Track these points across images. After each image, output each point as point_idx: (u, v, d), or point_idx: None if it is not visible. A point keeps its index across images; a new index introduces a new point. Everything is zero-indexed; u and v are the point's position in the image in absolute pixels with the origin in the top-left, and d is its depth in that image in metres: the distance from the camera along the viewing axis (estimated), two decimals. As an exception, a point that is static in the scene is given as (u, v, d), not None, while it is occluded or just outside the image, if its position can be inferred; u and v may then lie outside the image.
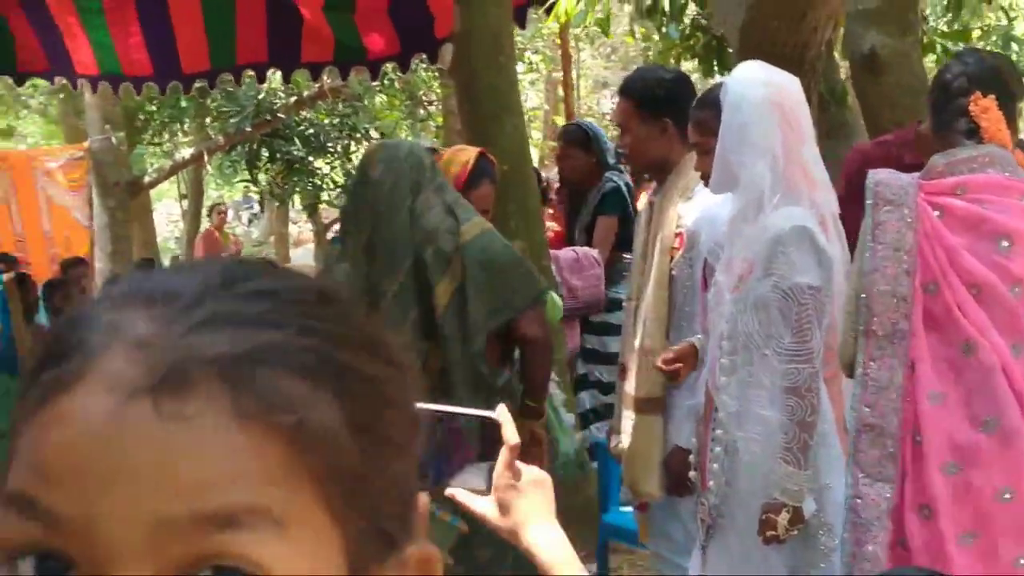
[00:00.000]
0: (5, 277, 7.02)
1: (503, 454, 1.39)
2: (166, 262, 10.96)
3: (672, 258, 3.40)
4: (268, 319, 0.55)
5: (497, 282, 3.23)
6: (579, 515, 3.95)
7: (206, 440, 0.51)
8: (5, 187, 9.81)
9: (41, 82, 6.93)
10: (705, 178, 3.05)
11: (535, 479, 1.39)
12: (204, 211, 14.95)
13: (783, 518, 2.60)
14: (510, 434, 1.39)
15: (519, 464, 1.40)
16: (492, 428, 1.41)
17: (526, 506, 1.36)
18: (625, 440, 3.51)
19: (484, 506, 1.39)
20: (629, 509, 4.04)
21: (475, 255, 3.22)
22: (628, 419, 3.50)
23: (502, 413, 1.40)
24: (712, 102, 2.94)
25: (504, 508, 1.37)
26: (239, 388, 0.52)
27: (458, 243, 3.22)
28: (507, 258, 3.33)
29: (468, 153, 3.81)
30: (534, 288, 3.31)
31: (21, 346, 6.34)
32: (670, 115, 3.49)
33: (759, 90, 2.76)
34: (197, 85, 6.89)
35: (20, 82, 6.83)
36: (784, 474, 2.62)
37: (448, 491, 1.44)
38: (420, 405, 1.51)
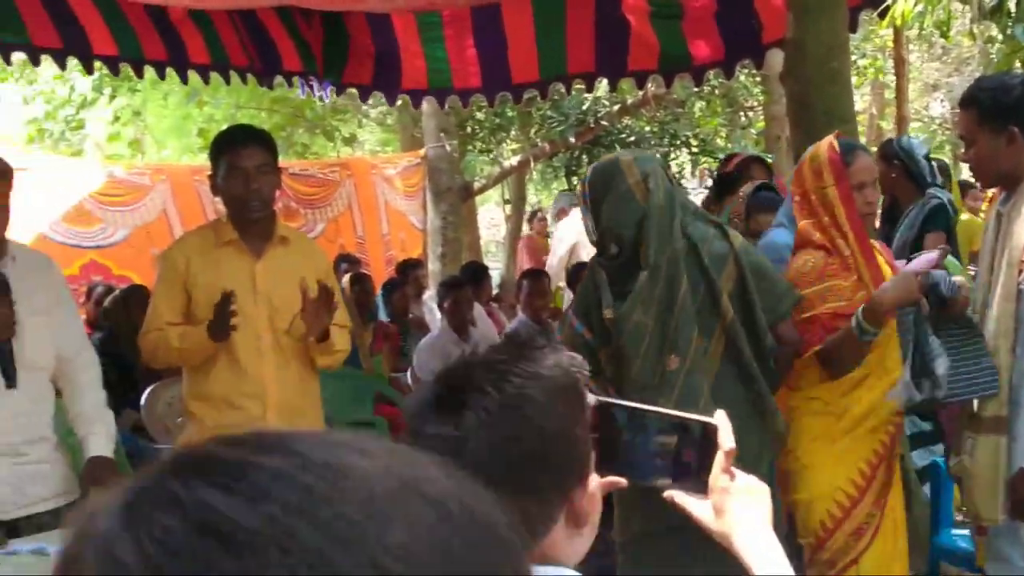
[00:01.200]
0: (345, 279, 7.54)
1: (719, 458, 1.40)
2: (488, 263, 11.37)
3: (1021, 271, 3.23)
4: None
5: (766, 286, 3.44)
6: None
7: None
8: (349, 192, 10.50)
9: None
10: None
11: (750, 485, 1.40)
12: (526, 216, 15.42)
13: None
14: (726, 439, 1.40)
15: (735, 470, 1.41)
16: (710, 432, 1.43)
17: (740, 511, 1.38)
18: (966, 461, 3.36)
19: (700, 509, 1.41)
20: (963, 531, 3.87)
21: (747, 259, 3.43)
22: (969, 439, 3.35)
23: (720, 417, 1.42)
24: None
25: (718, 512, 1.39)
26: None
27: (731, 247, 3.43)
28: (768, 265, 3.54)
29: (826, 139, 3.70)
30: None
31: (361, 344, 6.79)
32: (1017, 123, 3.32)
33: None
34: (527, 96, 7.16)
35: (339, 92, 7.29)
36: None
37: (666, 493, 1.46)
38: (642, 407, 1.55)
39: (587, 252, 8.60)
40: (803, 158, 3.71)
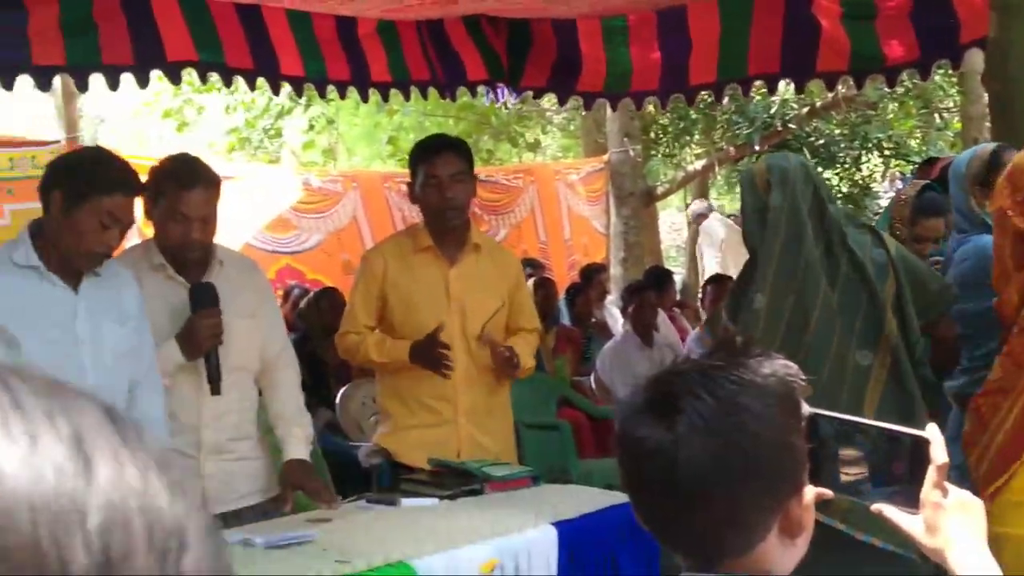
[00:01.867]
0: (529, 283, 7.63)
1: (931, 473, 1.37)
2: (669, 268, 11.28)
3: None
4: None
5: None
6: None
7: None
8: (532, 198, 10.61)
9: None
10: None
11: (963, 501, 1.37)
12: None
13: None
14: (939, 453, 1.36)
15: (948, 485, 1.37)
16: (921, 445, 1.39)
17: (953, 527, 1.35)
18: None
19: (912, 524, 1.38)
20: None
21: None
22: None
23: (932, 432, 1.38)
24: None
25: (931, 528, 1.36)
26: None
27: (888, 255, 3.46)
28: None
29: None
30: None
31: (544, 348, 6.86)
32: None
33: None
34: (702, 98, 7.06)
35: (517, 94, 7.32)
36: None
37: (875, 507, 1.43)
38: (851, 418, 1.52)
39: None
40: (1012, 166, 3.19)
